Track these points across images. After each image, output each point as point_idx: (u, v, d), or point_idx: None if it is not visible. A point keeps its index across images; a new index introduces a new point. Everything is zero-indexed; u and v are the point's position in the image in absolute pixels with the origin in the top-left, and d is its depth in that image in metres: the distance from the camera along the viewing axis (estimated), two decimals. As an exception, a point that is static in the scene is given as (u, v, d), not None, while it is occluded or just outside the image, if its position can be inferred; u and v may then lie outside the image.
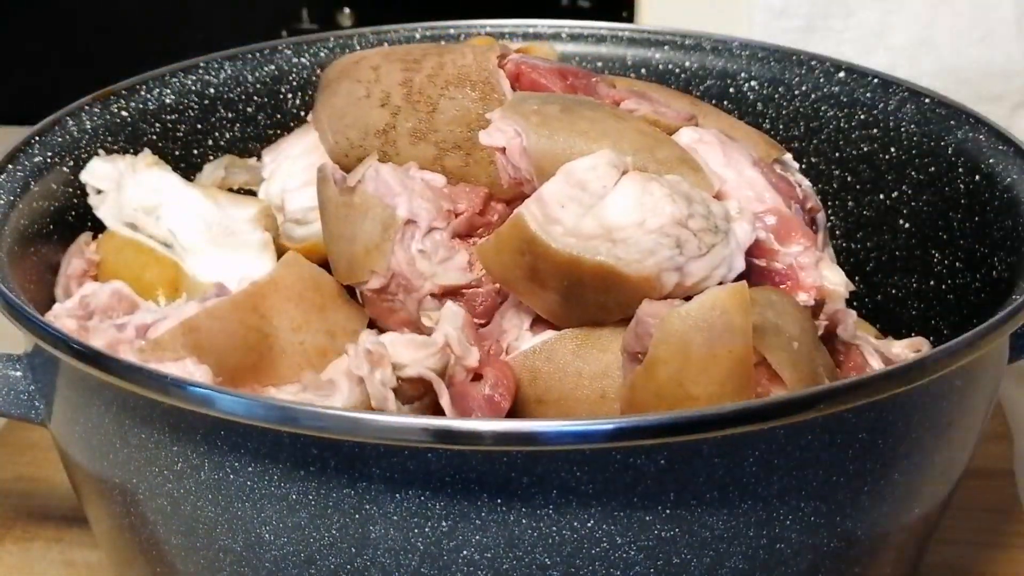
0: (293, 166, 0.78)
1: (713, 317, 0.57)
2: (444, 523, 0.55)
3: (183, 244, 0.75)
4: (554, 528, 0.55)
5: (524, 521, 0.55)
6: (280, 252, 0.76)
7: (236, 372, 0.63)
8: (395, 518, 0.55)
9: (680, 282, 0.60)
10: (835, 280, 0.65)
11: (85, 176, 0.77)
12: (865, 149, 0.83)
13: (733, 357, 0.57)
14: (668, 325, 0.57)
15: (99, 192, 0.77)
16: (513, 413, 0.61)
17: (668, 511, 0.55)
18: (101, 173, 0.77)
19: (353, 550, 0.56)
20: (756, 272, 0.64)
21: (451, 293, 0.66)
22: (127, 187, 0.76)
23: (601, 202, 0.60)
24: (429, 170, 0.68)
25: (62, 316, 0.67)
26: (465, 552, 0.55)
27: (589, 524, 0.55)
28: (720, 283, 0.61)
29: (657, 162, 0.64)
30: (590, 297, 0.61)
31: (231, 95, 0.86)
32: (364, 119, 0.70)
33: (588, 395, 0.61)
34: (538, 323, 0.64)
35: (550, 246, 0.60)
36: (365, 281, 0.66)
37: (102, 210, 0.76)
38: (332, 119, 0.72)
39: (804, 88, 0.85)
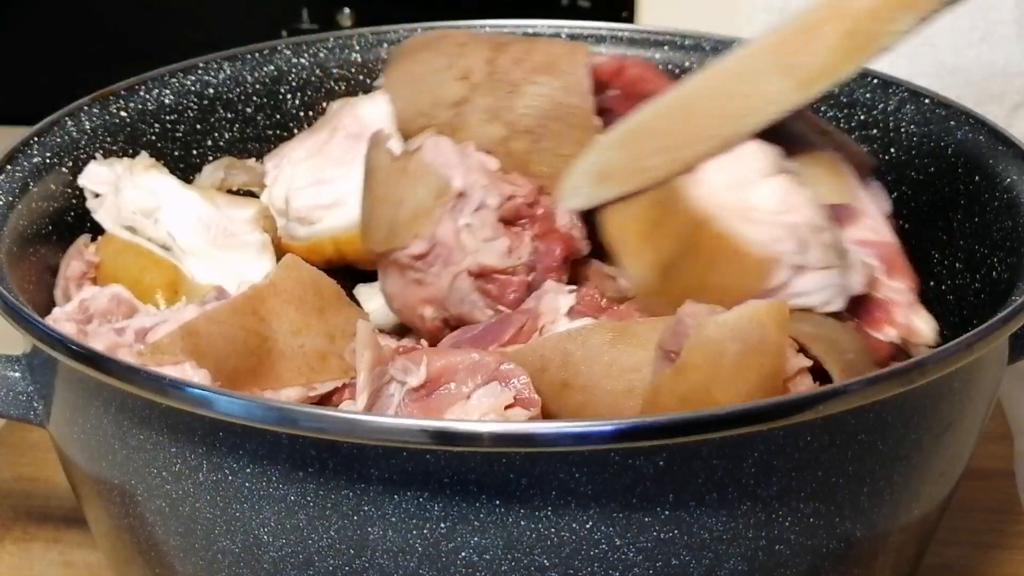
0: (296, 169, 0.78)
1: (750, 329, 0.57)
2: (443, 524, 0.55)
3: (182, 246, 0.75)
4: (553, 529, 0.55)
5: (523, 522, 0.55)
6: (280, 253, 0.76)
7: (235, 375, 0.63)
8: (394, 519, 0.55)
9: (785, 282, 0.61)
10: (924, 329, 0.67)
11: (83, 180, 0.76)
12: (865, 149, 0.82)
13: (764, 371, 0.57)
14: (704, 331, 0.57)
15: (97, 196, 0.77)
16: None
17: (667, 512, 0.55)
18: (98, 176, 0.77)
19: (352, 551, 0.56)
20: (855, 297, 0.65)
21: (486, 274, 0.66)
22: (125, 190, 0.76)
23: (751, 183, 0.62)
24: (493, 152, 0.68)
25: (61, 320, 0.67)
26: (464, 553, 0.55)
27: (588, 525, 0.55)
28: (819, 311, 0.62)
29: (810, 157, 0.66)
30: (692, 271, 0.61)
31: (230, 95, 0.86)
32: (439, 89, 0.71)
33: (616, 387, 0.60)
34: (575, 311, 0.64)
35: (688, 201, 0.61)
36: (405, 246, 0.66)
37: (100, 213, 0.76)
38: (405, 83, 0.72)
39: (804, 88, 0.85)
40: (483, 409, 0.59)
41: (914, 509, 0.62)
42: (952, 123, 0.78)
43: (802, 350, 0.60)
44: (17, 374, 0.67)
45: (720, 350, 0.57)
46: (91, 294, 0.68)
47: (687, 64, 0.88)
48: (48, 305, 0.72)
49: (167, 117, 0.83)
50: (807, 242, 0.61)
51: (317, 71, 0.88)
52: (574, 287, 0.66)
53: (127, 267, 0.74)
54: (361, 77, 0.89)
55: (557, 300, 0.65)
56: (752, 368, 0.57)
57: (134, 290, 0.70)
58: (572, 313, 0.64)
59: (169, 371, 0.61)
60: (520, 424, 0.56)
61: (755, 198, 0.61)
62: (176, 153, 0.83)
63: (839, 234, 0.63)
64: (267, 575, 0.58)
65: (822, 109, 0.84)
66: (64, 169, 0.76)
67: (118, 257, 0.74)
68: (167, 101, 0.83)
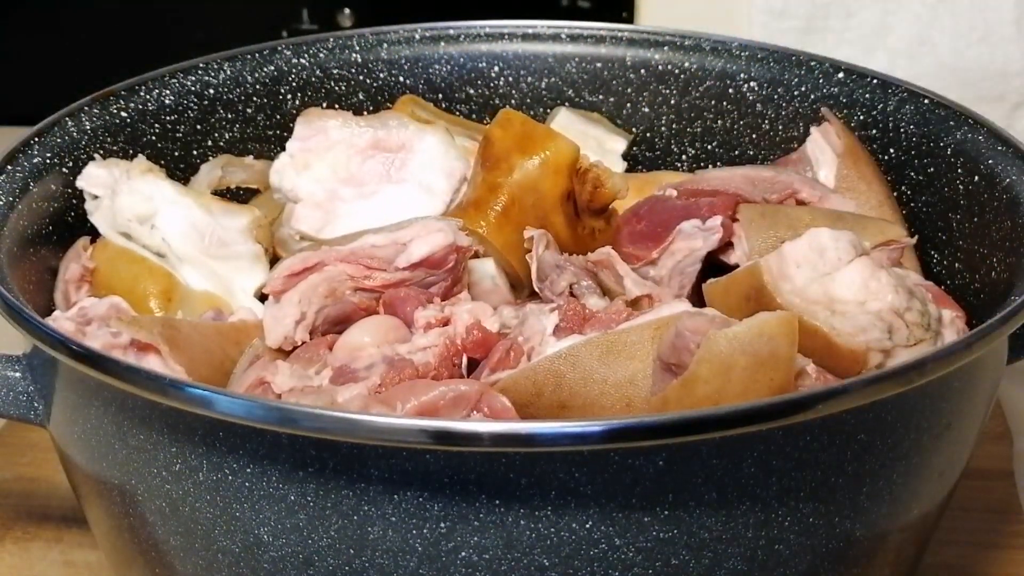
0: (322, 168, 0.76)
1: (760, 343, 0.57)
2: (442, 524, 0.55)
3: (177, 254, 0.74)
4: (552, 529, 0.55)
5: (522, 522, 0.55)
6: (274, 262, 0.76)
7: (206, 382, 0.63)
8: (393, 519, 0.55)
9: (882, 363, 0.63)
10: None
11: (81, 182, 0.76)
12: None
13: (774, 385, 0.57)
14: (714, 345, 0.57)
15: (96, 198, 0.76)
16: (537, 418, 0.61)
17: (666, 512, 0.55)
18: (96, 179, 0.76)
19: (352, 551, 0.56)
20: None
21: None
22: (121, 194, 0.75)
23: (833, 274, 0.64)
24: None
25: (60, 320, 0.67)
26: (463, 553, 0.56)
27: (588, 525, 0.55)
28: None
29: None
30: None
31: (230, 96, 0.86)
32: None
33: (613, 403, 0.60)
34: (561, 329, 0.64)
35: (775, 299, 0.64)
36: None
37: (96, 216, 0.76)
38: None
39: (803, 89, 0.85)
40: None
41: (914, 509, 0.62)
42: (952, 123, 0.78)
43: None
44: (17, 374, 0.67)
45: (730, 364, 0.57)
46: (91, 303, 0.69)
47: (686, 65, 0.88)
48: (48, 307, 0.72)
49: (167, 117, 0.83)
50: (892, 325, 0.63)
51: (317, 71, 0.88)
52: (555, 305, 0.66)
53: (121, 274, 0.74)
54: (361, 77, 0.89)
55: (541, 321, 0.64)
56: (762, 382, 0.57)
57: (128, 298, 0.71)
58: (558, 331, 0.64)
59: (152, 364, 0.61)
60: (520, 424, 0.56)
61: (837, 289, 0.64)
62: (176, 153, 0.83)
63: (928, 300, 0.65)
64: (267, 575, 0.59)
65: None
66: (64, 169, 0.76)
67: (112, 264, 0.74)
68: (167, 101, 0.83)
